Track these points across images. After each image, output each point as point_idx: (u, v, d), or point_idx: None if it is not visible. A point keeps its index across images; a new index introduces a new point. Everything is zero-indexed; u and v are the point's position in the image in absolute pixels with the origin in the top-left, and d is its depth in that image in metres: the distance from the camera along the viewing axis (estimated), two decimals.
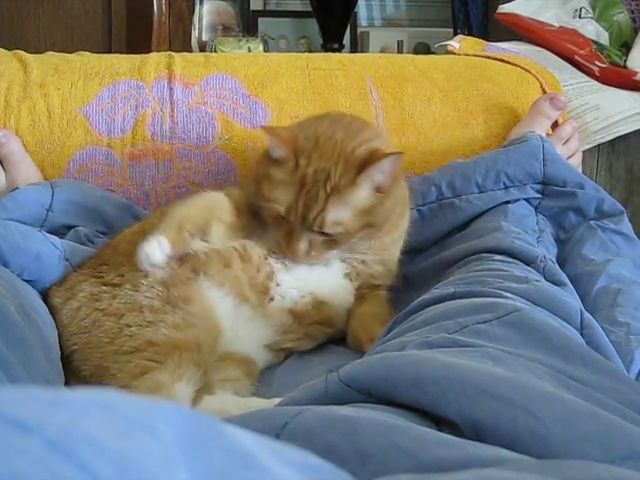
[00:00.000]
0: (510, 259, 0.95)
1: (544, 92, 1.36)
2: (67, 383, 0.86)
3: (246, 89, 1.30)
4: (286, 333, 0.98)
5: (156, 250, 0.87)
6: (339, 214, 0.94)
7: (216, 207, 0.99)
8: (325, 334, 1.03)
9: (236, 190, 1.08)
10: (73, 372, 0.88)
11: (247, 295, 0.96)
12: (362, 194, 0.95)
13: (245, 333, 0.96)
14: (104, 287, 0.91)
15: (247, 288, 0.96)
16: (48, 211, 1.09)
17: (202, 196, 1.01)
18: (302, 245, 0.96)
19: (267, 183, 0.97)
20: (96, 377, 0.85)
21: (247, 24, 2.59)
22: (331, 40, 2.49)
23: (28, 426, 0.27)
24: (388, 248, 1.07)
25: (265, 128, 0.97)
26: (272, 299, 0.98)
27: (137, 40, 2.09)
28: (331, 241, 0.97)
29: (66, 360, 0.88)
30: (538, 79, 1.38)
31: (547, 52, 1.63)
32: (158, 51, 1.47)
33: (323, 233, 0.95)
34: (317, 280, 1.01)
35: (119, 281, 0.91)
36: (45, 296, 0.95)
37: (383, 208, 0.98)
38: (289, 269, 0.99)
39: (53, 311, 0.92)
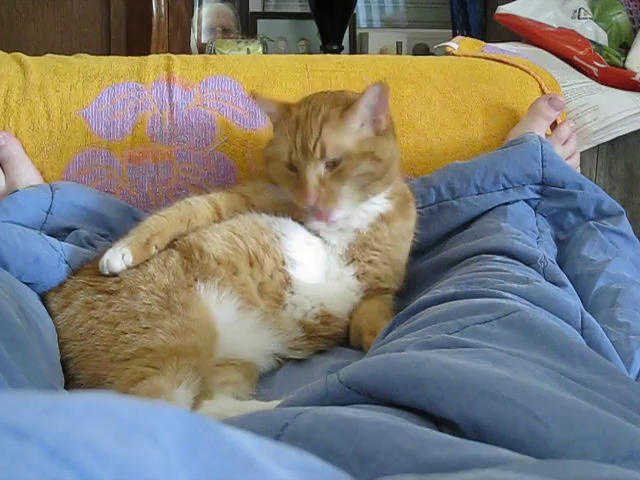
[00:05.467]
0: (510, 260, 0.95)
1: (543, 93, 1.36)
2: (65, 389, 0.85)
3: (245, 91, 1.30)
4: (294, 346, 0.98)
5: (117, 262, 0.91)
6: (337, 138, 0.97)
7: (192, 217, 1.00)
8: (330, 345, 1.03)
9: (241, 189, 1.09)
10: (68, 381, 0.87)
11: (256, 301, 0.96)
12: (355, 126, 0.98)
13: (250, 340, 0.95)
14: (99, 295, 0.90)
15: (256, 294, 0.96)
16: (48, 214, 1.09)
17: (181, 206, 1.01)
18: (312, 180, 0.95)
19: (270, 147, 1.03)
20: (92, 385, 0.85)
21: (246, 26, 2.59)
22: (330, 42, 2.49)
23: (27, 433, 0.27)
24: (396, 243, 1.06)
25: (252, 93, 1.09)
26: (284, 307, 0.98)
27: (136, 42, 2.09)
28: (339, 174, 0.96)
29: (62, 368, 0.87)
30: (537, 80, 1.38)
31: (546, 53, 1.63)
32: (157, 53, 1.47)
33: (327, 164, 0.96)
34: (328, 291, 1.01)
35: (115, 288, 0.91)
36: (43, 300, 0.94)
37: (385, 143, 1.00)
38: (304, 279, 0.99)
39: (50, 316, 0.92)
